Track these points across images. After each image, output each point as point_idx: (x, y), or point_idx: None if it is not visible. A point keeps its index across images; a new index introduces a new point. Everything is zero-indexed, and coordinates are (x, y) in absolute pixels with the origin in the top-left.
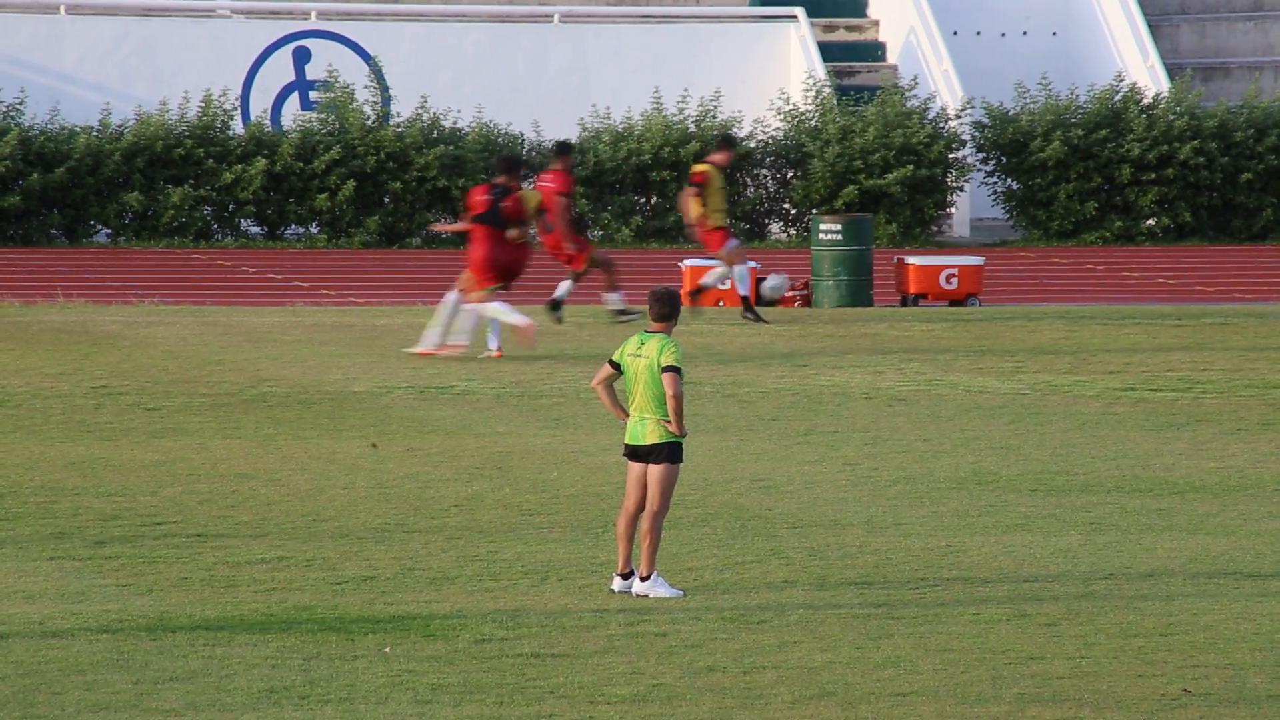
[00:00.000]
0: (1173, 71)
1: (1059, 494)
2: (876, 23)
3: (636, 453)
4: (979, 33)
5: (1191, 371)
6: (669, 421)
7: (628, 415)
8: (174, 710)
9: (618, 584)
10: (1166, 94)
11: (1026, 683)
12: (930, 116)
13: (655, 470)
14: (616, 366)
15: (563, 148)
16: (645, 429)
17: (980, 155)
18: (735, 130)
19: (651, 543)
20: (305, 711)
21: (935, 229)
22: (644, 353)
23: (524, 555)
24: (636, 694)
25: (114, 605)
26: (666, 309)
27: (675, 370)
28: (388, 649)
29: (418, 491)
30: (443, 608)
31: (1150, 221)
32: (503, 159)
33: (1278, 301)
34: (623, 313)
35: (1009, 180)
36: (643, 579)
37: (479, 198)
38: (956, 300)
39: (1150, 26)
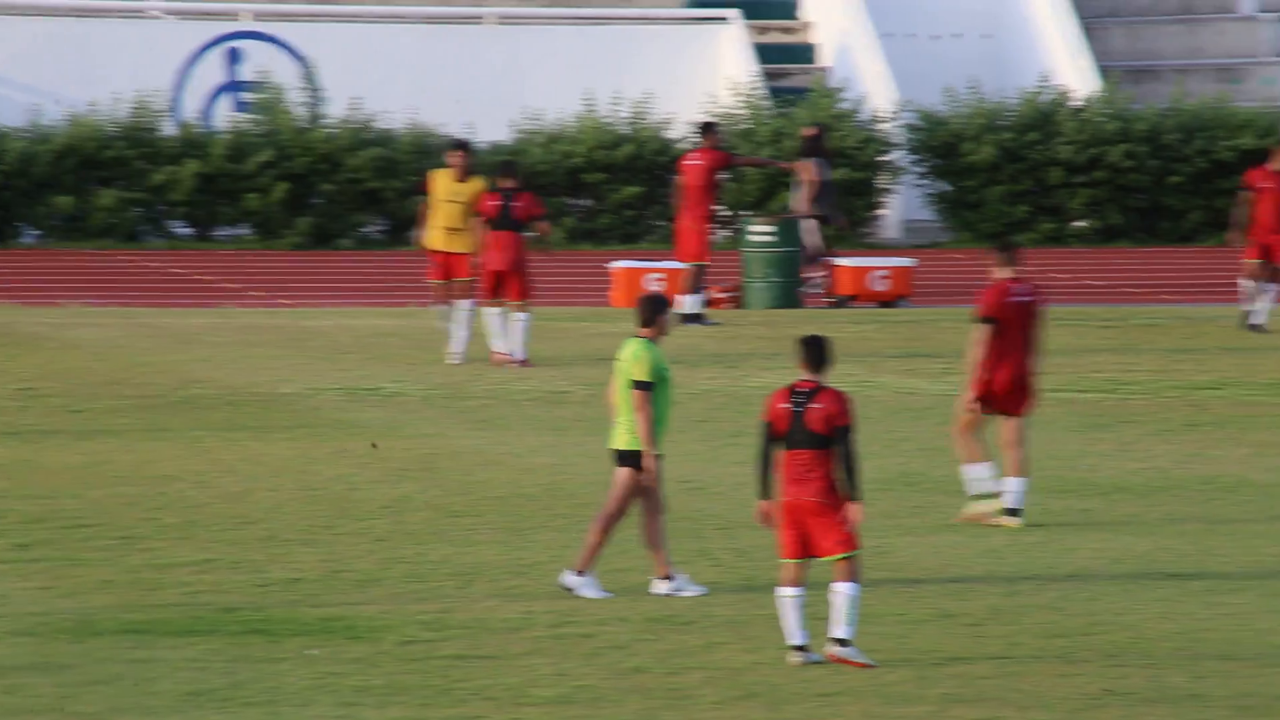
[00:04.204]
0: (1104, 74)
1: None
2: (809, 25)
3: (614, 456)
4: (912, 35)
5: (1118, 373)
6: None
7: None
8: (97, 714)
9: (660, 587)
10: (1095, 96)
11: (951, 683)
12: (863, 119)
13: (620, 474)
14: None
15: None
16: (615, 433)
17: (912, 157)
18: (668, 132)
19: (595, 542)
20: (228, 714)
21: (867, 230)
22: (622, 357)
23: (451, 557)
24: (562, 695)
25: (37, 608)
26: (646, 314)
27: (642, 386)
28: (313, 651)
29: (345, 493)
30: (368, 610)
31: (1080, 223)
32: (504, 164)
33: (1204, 303)
34: None
35: (940, 182)
36: (576, 573)
37: (487, 203)
38: (887, 301)
39: (1081, 29)
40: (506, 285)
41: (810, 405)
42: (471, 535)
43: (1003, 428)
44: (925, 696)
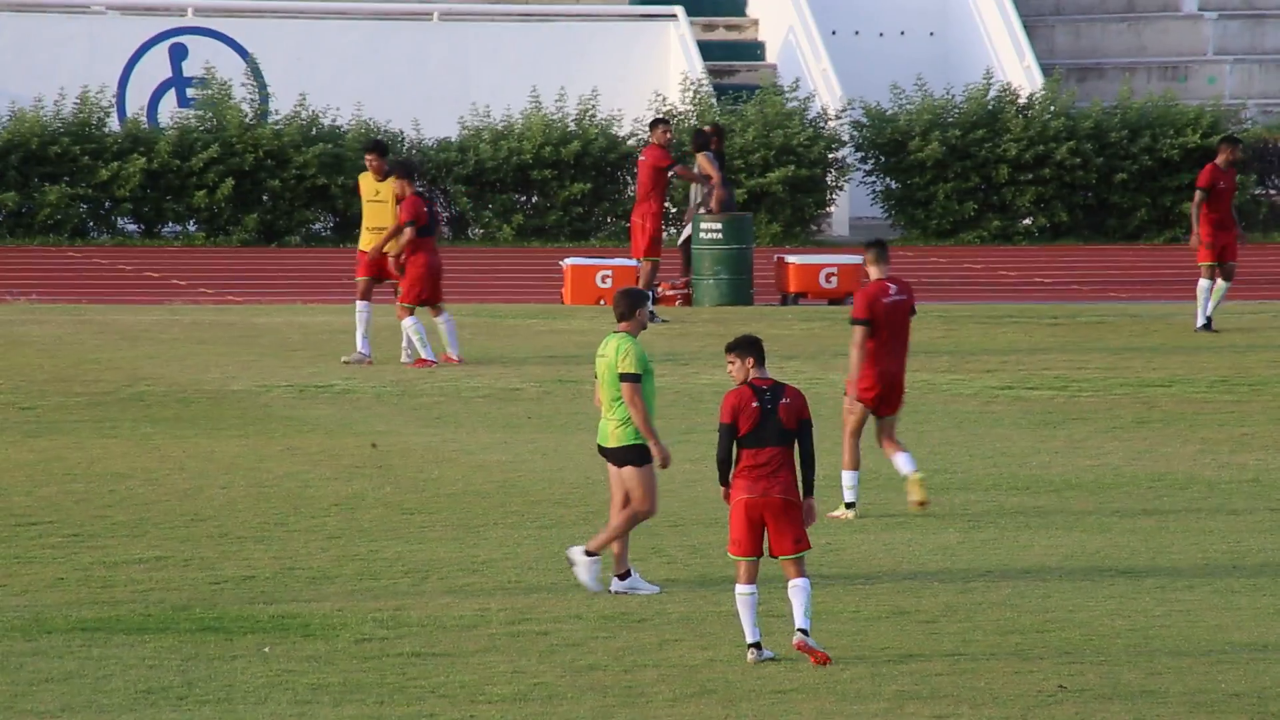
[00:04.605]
0: (1048, 72)
1: (937, 492)
2: (756, 22)
3: (604, 453)
4: (857, 32)
5: (1068, 370)
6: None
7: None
8: (49, 712)
9: (615, 585)
10: (1040, 93)
11: (905, 680)
12: (810, 116)
13: (628, 474)
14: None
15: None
16: (607, 430)
17: (859, 155)
18: (615, 130)
19: (614, 530)
20: (183, 712)
21: (815, 228)
22: (605, 353)
23: (404, 554)
24: (518, 693)
25: None
26: (621, 308)
27: (631, 378)
28: (267, 649)
29: (297, 490)
30: (322, 607)
31: (1027, 221)
32: (405, 164)
33: (1152, 300)
34: None
35: (888, 180)
36: (586, 552)
37: (423, 209)
38: (836, 299)
39: (1026, 27)
40: (439, 289)
41: (781, 401)
42: (425, 532)
43: (878, 430)
44: (880, 693)
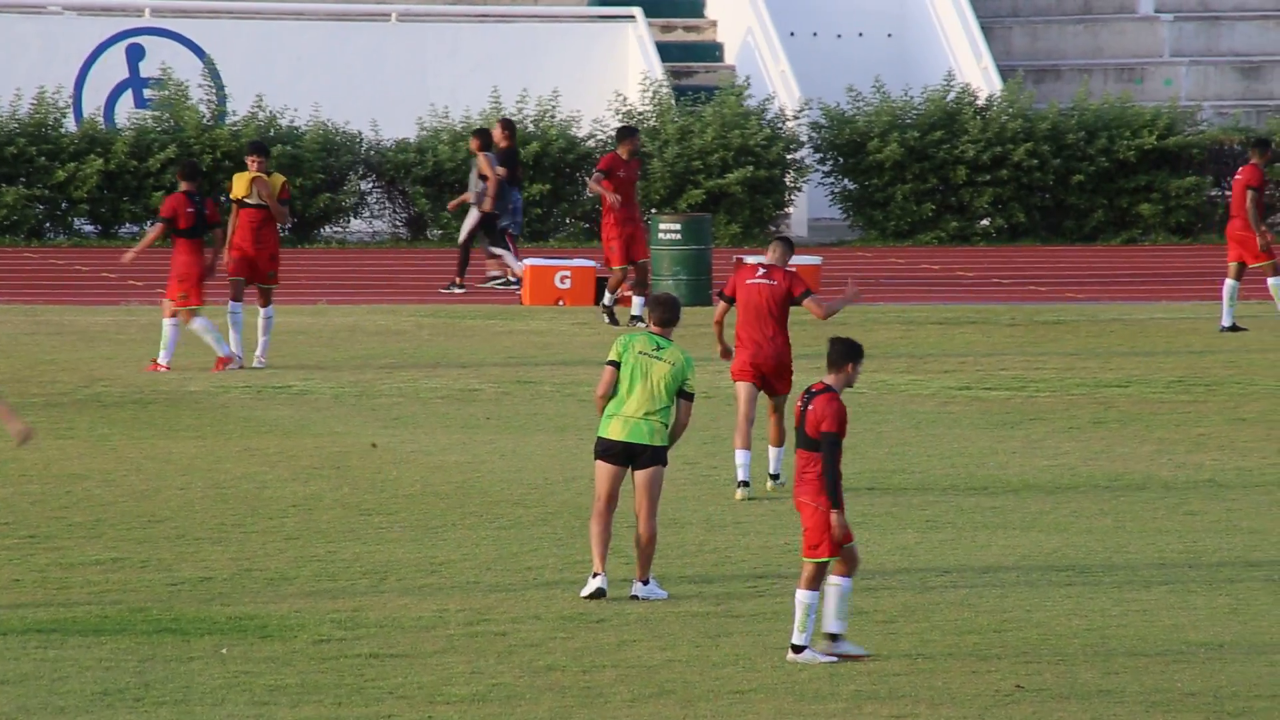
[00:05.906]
0: (1006, 73)
1: (895, 492)
2: (714, 23)
3: (630, 451)
4: (815, 34)
5: (1025, 370)
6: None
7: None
8: (5, 714)
9: (597, 583)
10: (999, 95)
11: (863, 680)
12: (768, 117)
13: (653, 474)
14: (616, 365)
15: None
16: (650, 429)
17: (818, 156)
18: (574, 130)
19: (650, 543)
20: (140, 714)
21: (774, 229)
22: (665, 357)
23: (362, 555)
24: (476, 694)
25: None
26: (671, 314)
27: (692, 398)
28: (224, 650)
29: (255, 492)
30: (280, 609)
31: (985, 222)
32: (189, 165)
33: (1109, 302)
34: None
35: (846, 181)
36: (643, 582)
37: (187, 209)
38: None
39: (983, 29)
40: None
41: (808, 408)
42: (383, 533)
43: (769, 408)
44: (838, 693)
